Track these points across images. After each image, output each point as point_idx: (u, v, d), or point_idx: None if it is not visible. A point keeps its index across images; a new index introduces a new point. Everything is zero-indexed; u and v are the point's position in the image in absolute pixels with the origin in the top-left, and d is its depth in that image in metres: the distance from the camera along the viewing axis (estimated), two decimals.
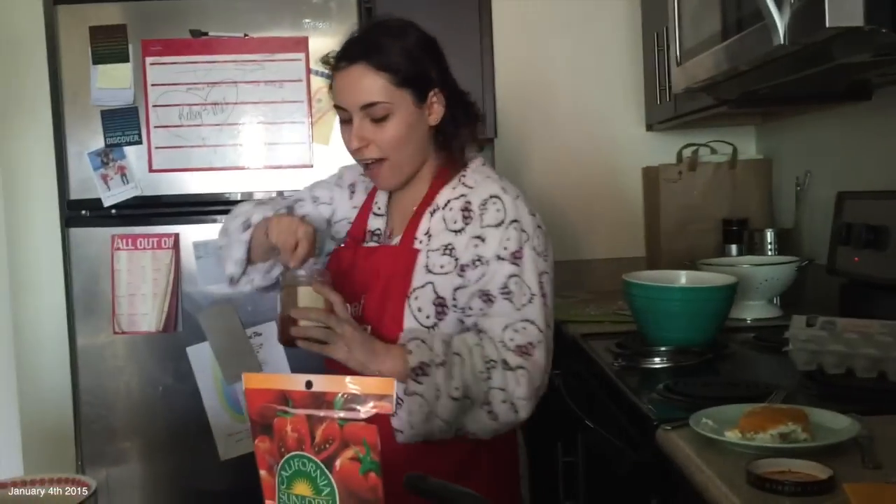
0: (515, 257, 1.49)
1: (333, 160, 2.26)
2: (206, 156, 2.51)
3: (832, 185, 2.34)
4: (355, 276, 1.57)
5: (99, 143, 2.50)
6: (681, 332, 2.00)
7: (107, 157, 2.50)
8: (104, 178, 2.50)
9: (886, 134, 2.18)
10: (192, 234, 2.50)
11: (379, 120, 1.51)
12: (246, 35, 2.51)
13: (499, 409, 1.43)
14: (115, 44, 2.48)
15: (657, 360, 1.93)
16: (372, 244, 1.63)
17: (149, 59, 2.49)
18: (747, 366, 1.99)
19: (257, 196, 2.46)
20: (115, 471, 2.51)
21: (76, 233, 2.51)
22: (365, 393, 0.81)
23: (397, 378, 1.38)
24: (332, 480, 0.81)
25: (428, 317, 1.50)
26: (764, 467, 1.17)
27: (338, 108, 1.56)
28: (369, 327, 1.50)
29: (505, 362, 1.44)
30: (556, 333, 1.57)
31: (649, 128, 3.10)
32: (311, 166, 2.49)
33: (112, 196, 2.51)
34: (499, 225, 1.50)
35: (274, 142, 2.52)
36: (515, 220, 1.51)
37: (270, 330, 2.48)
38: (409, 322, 1.50)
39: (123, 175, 2.50)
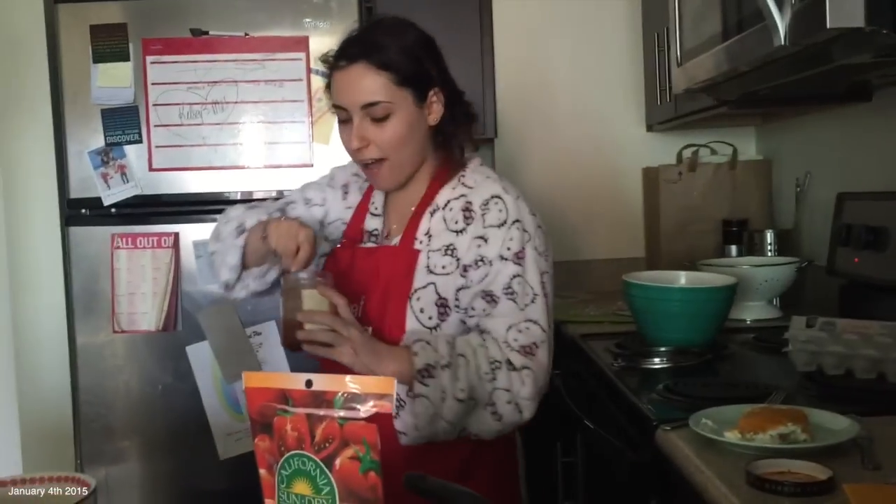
0: (518, 257, 1.49)
1: (333, 160, 2.26)
2: (206, 155, 2.51)
3: (832, 186, 2.34)
4: (354, 276, 1.56)
5: (99, 141, 2.50)
6: (680, 333, 2.00)
7: (107, 155, 2.50)
8: (104, 176, 2.50)
9: (886, 135, 2.18)
10: (192, 233, 2.50)
11: (379, 120, 1.50)
12: (246, 34, 2.51)
13: (503, 409, 1.43)
14: (115, 43, 2.48)
15: (657, 360, 1.93)
16: (370, 245, 1.62)
17: (149, 58, 2.49)
18: (747, 366, 1.99)
19: (257, 196, 2.46)
20: (115, 470, 2.51)
21: (76, 232, 2.51)
22: (365, 392, 0.81)
23: (402, 380, 1.38)
24: (332, 479, 0.81)
25: (430, 318, 1.50)
26: (763, 468, 1.17)
27: (337, 107, 1.54)
28: (370, 329, 1.49)
29: (509, 363, 1.44)
30: (555, 334, 1.57)
31: (649, 128, 3.10)
32: (312, 166, 2.49)
33: (112, 195, 2.51)
34: (501, 225, 1.50)
35: (274, 141, 2.52)
36: (517, 220, 1.50)
37: (270, 329, 2.48)
38: (411, 323, 1.49)
39: (123, 174, 2.50)
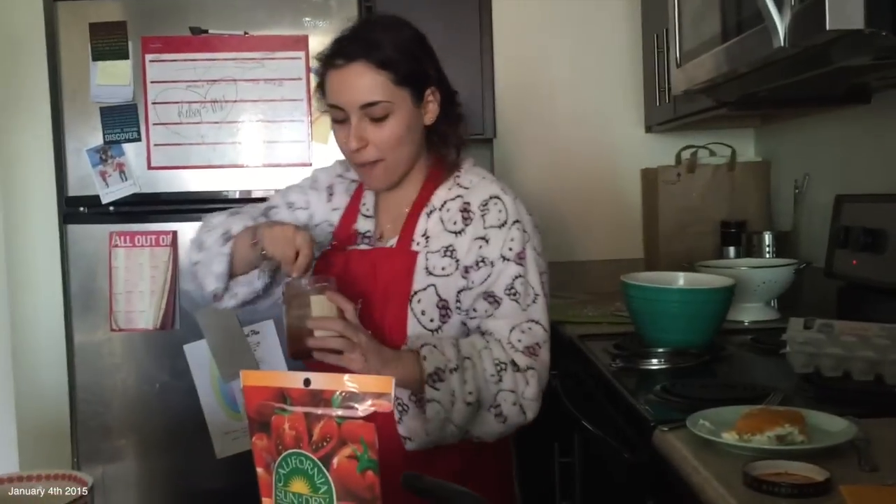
0: (520, 258, 1.48)
1: (332, 159, 2.26)
2: (205, 153, 2.51)
3: (830, 188, 2.34)
4: (349, 279, 1.53)
5: (98, 139, 2.49)
6: (679, 334, 2.00)
7: (105, 154, 2.50)
8: (103, 174, 2.50)
9: (885, 137, 2.18)
10: (191, 231, 2.46)
11: (378, 119, 1.47)
12: (246, 33, 2.51)
13: (508, 411, 1.42)
14: (114, 41, 2.48)
15: (655, 361, 1.93)
16: (363, 247, 1.59)
17: (148, 57, 2.49)
18: (745, 368, 1.99)
19: (256, 195, 2.46)
20: (111, 468, 2.51)
21: (74, 229, 2.51)
22: (363, 391, 0.80)
23: (409, 385, 1.37)
24: (330, 478, 0.81)
25: (432, 320, 1.48)
26: (761, 469, 1.17)
27: (333, 107, 1.51)
28: (369, 332, 1.46)
29: (514, 363, 1.43)
30: (553, 334, 1.57)
31: (648, 129, 3.10)
32: (310, 164, 2.48)
33: (110, 193, 2.50)
34: (502, 226, 1.49)
35: (273, 140, 2.52)
36: (517, 221, 1.50)
37: (268, 328, 2.48)
38: (412, 325, 1.47)
39: (122, 172, 2.50)
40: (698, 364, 1.92)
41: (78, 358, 2.51)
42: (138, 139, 2.50)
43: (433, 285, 1.49)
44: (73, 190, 2.51)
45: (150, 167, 2.51)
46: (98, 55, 2.48)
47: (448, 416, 1.38)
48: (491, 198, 1.52)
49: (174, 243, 2.50)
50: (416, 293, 1.49)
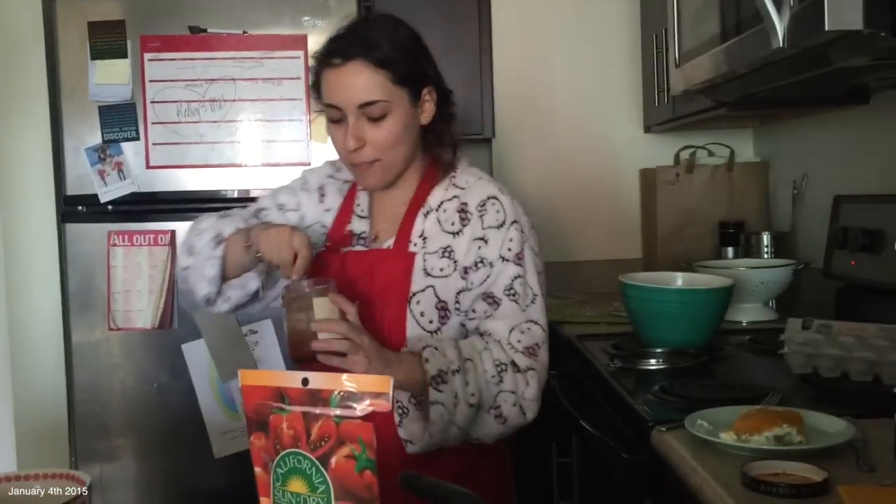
0: (519, 258, 1.48)
1: (331, 158, 2.26)
2: (203, 153, 2.51)
3: (829, 189, 2.34)
4: (345, 280, 1.51)
5: (96, 138, 2.49)
6: (677, 334, 2.00)
7: (104, 153, 2.49)
8: (101, 173, 2.49)
9: (884, 138, 2.18)
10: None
11: (375, 119, 1.46)
12: (245, 32, 2.51)
13: (509, 411, 1.42)
14: (113, 39, 2.47)
15: (653, 361, 1.93)
16: (359, 248, 1.58)
17: (147, 56, 2.48)
18: (743, 368, 1.99)
19: (254, 194, 2.45)
20: (109, 468, 2.50)
21: (72, 228, 2.51)
22: (361, 391, 0.80)
23: (412, 388, 1.37)
24: (328, 478, 0.81)
25: (431, 321, 1.48)
26: (759, 469, 1.17)
27: (329, 107, 1.49)
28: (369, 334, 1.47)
29: (514, 364, 1.43)
30: (551, 334, 1.57)
31: (647, 129, 3.10)
32: (309, 164, 2.48)
33: (109, 192, 2.50)
34: (500, 226, 1.49)
35: (272, 139, 2.52)
36: (515, 221, 1.50)
37: (266, 328, 2.48)
38: (411, 327, 1.47)
39: (120, 171, 2.50)
40: (696, 364, 1.92)
41: (76, 357, 2.51)
42: (137, 138, 2.49)
43: (432, 286, 1.49)
44: (72, 189, 2.50)
45: (148, 166, 2.50)
46: (97, 54, 2.48)
47: (451, 417, 1.37)
48: (488, 198, 1.51)
49: (172, 242, 2.49)
50: (414, 294, 1.48)
